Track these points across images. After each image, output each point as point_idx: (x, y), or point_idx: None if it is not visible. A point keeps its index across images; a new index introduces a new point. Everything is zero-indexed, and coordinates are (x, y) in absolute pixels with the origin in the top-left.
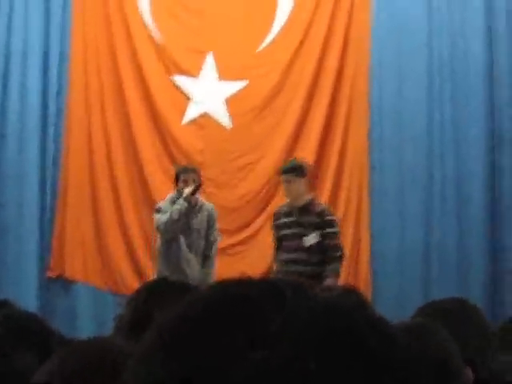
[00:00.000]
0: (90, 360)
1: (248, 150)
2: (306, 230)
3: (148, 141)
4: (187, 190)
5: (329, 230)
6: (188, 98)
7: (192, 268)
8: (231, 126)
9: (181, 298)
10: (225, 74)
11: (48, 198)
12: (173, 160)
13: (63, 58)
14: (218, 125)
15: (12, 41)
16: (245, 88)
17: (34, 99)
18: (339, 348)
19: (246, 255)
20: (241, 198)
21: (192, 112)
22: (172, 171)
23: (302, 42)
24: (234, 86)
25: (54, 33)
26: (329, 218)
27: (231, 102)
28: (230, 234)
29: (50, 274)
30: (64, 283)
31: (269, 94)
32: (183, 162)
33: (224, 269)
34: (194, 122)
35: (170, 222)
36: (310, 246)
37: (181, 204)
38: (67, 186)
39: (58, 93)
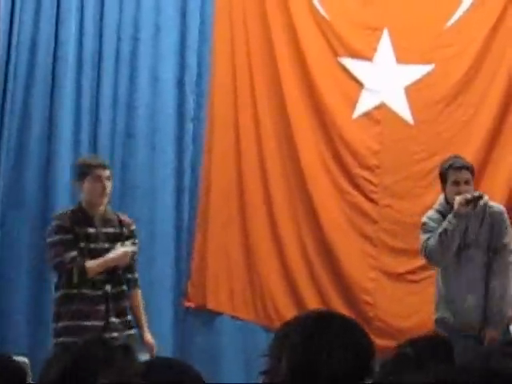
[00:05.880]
0: None
1: (435, 150)
2: None
3: (310, 139)
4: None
5: None
6: (360, 86)
7: None
8: (414, 121)
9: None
10: (404, 56)
11: (185, 212)
12: (340, 164)
13: (204, 37)
14: (397, 119)
15: (141, 17)
16: (430, 73)
17: (169, 89)
18: None
19: (431, 283)
20: (426, 212)
21: (365, 103)
22: (339, 179)
23: (502, 15)
24: (417, 71)
25: (193, 4)
26: None
27: (413, 90)
28: (412, 256)
29: (188, 303)
30: (205, 315)
31: (460, 81)
32: (353, 166)
33: (405, 299)
34: (367, 115)
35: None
36: None
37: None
38: (209, 197)
39: (198, 82)
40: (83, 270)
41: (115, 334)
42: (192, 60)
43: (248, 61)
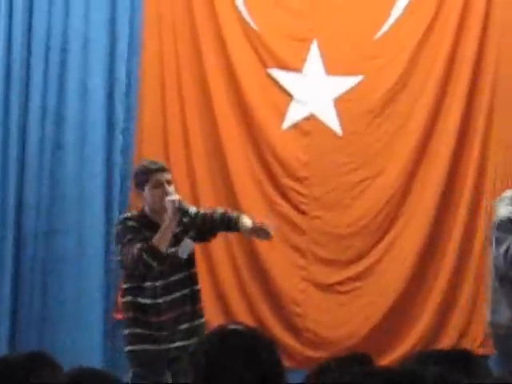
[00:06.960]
0: None
1: (363, 161)
2: None
3: (239, 150)
4: None
5: None
6: (289, 97)
7: None
8: (342, 132)
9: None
10: (334, 67)
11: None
12: (270, 175)
13: (133, 48)
14: (326, 130)
15: (69, 27)
16: (359, 85)
17: (98, 100)
18: None
19: (360, 293)
20: (354, 223)
21: (294, 114)
22: (268, 190)
23: (430, 26)
24: (346, 83)
25: (122, 16)
26: None
27: (342, 101)
28: (340, 267)
29: (117, 316)
30: None
31: (389, 92)
32: (282, 177)
33: (334, 310)
34: (296, 126)
35: None
36: None
37: None
38: (139, 209)
39: (127, 93)
40: (152, 249)
41: (170, 345)
42: (121, 71)
43: (177, 72)
